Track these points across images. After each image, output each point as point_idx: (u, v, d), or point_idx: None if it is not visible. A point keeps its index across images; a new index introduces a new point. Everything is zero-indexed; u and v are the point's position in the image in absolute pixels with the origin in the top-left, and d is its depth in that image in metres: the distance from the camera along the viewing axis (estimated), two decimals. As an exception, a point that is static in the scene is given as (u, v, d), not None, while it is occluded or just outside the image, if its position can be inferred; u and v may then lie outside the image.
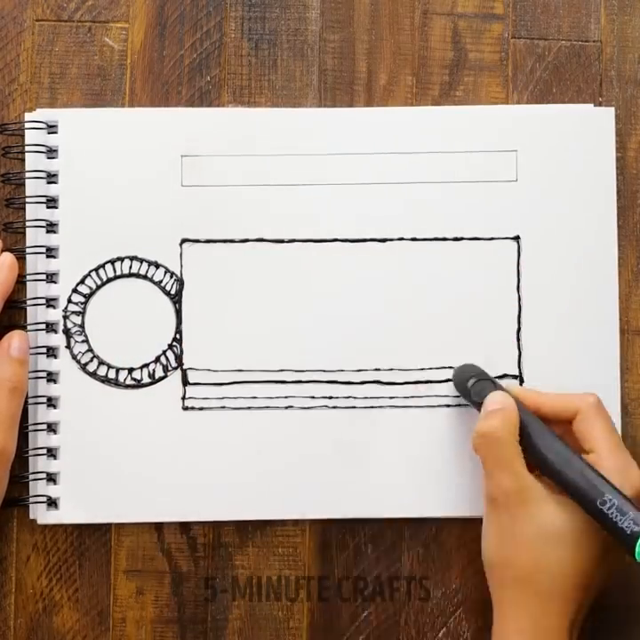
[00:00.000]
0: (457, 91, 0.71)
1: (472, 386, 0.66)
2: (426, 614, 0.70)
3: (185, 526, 0.69)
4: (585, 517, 0.60)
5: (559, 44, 0.71)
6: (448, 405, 0.69)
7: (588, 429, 0.63)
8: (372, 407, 0.69)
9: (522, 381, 0.69)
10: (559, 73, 0.71)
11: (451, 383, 0.68)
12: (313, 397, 0.69)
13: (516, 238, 0.69)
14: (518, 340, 0.69)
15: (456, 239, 0.69)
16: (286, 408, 0.69)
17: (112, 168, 0.69)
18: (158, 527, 0.69)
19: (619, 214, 0.70)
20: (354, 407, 0.69)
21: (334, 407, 0.69)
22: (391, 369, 0.69)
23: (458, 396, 0.68)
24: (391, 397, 0.69)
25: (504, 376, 0.69)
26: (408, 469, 0.68)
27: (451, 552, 0.70)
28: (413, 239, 0.69)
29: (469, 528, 0.70)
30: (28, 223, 0.68)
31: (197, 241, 0.69)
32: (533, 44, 0.71)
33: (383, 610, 0.70)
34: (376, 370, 0.69)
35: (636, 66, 0.71)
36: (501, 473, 0.62)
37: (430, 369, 0.69)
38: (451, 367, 0.69)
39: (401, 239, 0.69)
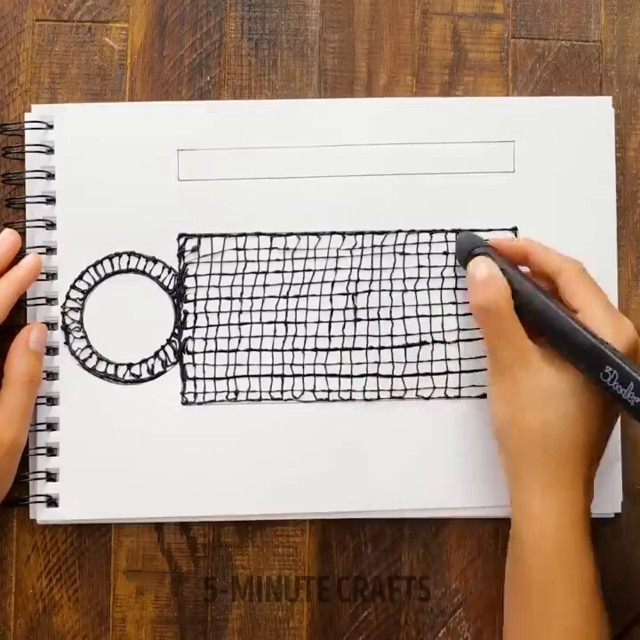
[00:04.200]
0: (457, 91, 0.71)
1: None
2: (426, 614, 0.69)
3: (185, 526, 0.69)
4: (577, 380, 0.61)
5: (559, 44, 0.71)
6: (447, 397, 0.69)
7: (574, 288, 0.64)
8: (371, 399, 0.69)
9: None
10: (559, 73, 0.71)
11: (449, 375, 0.69)
12: (313, 391, 0.69)
13: (514, 229, 0.69)
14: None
15: (454, 231, 0.69)
16: (286, 401, 0.69)
17: (108, 163, 0.69)
18: (158, 527, 0.69)
19: (619, 214, 0.70)
20: (353, 400, 0.69)
21: (334, 400, 0.69)
22: (390, 362, 0.69)
23: (457, 388, 0.69)
24: (391, 390, 0.69)
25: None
26: (408, 462, 0.68)
27: (451, 552, 0.70)
28: (411, 231, 0.69)
29: (469, 528, 0.70)
30: (28, 223, 0.68)
31: (195, 235, 0.69)
32: (533, 44, 0.71)
33: (383, 610, 0.69)
34: (375, 363, 0.69)
35: (636, 66, 0.71)
36: (503, 343, 0.63)
37: (429, 361, 0.69)
38: (449, 359, 0.69)
39: (399, 231, 0.69)
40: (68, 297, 0.69)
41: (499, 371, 0.63)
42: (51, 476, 0.69)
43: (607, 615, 0.62)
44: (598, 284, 0.65)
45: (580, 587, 0.61)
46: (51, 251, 0.69)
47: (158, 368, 0.69)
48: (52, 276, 0.69)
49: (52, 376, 0.69)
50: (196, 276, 0.69)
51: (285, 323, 0.69)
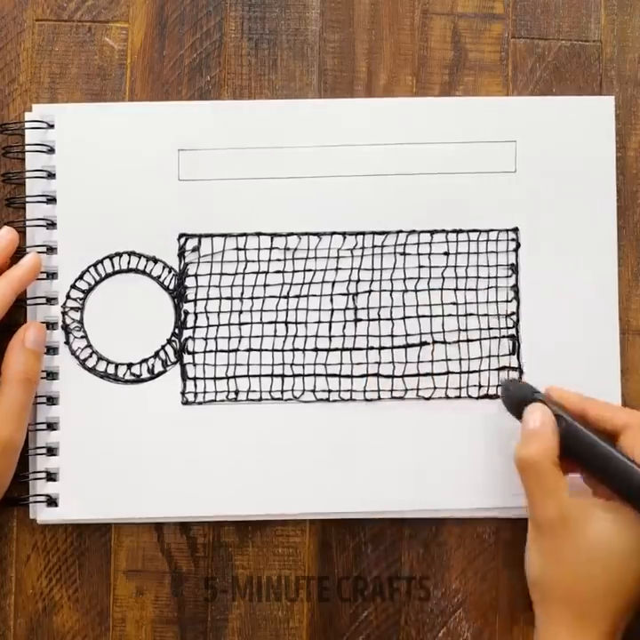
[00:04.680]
0: (457, 90, 0.71)
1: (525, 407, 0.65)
2: (426, 614, 0.69)
3: (185, 526, 0.69)
4: (630, 537, 0.60)
5: (559, 44, 0.71)
6: (448, 397, 0.69)
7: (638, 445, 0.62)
8: (372, 400, 0.69)
9: (521, 373, 0.69)
10: (559, 73, 0.71)
11: (449, 376, 0.69)
12: (313, 391, 0.69)
13: (515, 230, 0.69)
14: (517, 332, 0.69)
15: (455, 231, 0.69)
16: (286, 401, 0.69)
17: (109, 163, 0.69)
18: (158, 527, 0.69)
19: (619, 214, 0.70)
20: (353, 400, 0.69)
21: (334, 400, 0.69)
22: (391, 362, 0.69)
23: (457, 388, 0.69)
24: (391, 390, 0.69)
25: (503, 368, 0.69)
26: (408, 462, 0.68)
27: (451, 552, 0.70)
28: (412, 231, 0.69)
29: (469, 528, 0.70)
30: (28, 222, 0.68)
31: (195, 235, 0.69)
32: (533, 44, 0.71)
33: (383, 610, 0.69)
34: (376, 363, 0.69)
35: (636, 66, 0.71)
36: (544, 501, 0.62)
37: (429, 362, 0.69)
38: (450, 359, 0.69)
39: (399, 231, 0.69)
40: (68, 296, 0.69)
41: (537, 526, 0.62)
42: (51, 476, 0.68)
43: None
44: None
45: None
46: (51, 250, 0.69)
47: (158, 368, 0.69)
48: (52, 275, 0.69)
49: (51, 376, 0.69)
50: (196, 275, 0.69)
51: (286, 323, 0.69)
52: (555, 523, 0.61)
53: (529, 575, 0.64)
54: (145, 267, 0.69)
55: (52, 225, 0.69)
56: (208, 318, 0.69)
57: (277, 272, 0.69)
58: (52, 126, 0.69)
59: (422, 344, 0.69)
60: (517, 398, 0.66)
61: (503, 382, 0.69)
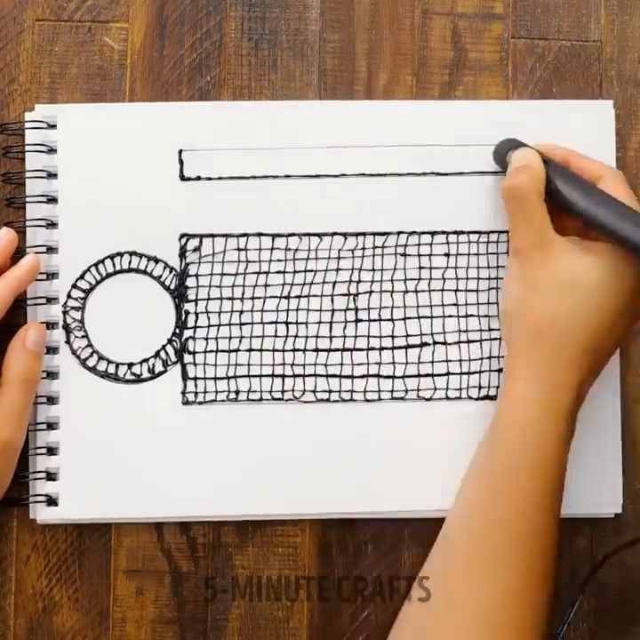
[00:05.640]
0: (457, 91, 0.71)
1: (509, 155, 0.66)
2: (426, 614, 0.69)
3: (185, 526, 0.69)
4: (602, 276, 0.61)
5: (559, 44, 0.71)
6: (448, 398, 0.69)
7: (614, 191, 0.63)
8: (372, 400, 0.69)
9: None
10: (559, 73, 0.71)
11: (450, 377, 0.69)
12: (313, 391, 0.69)
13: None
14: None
15: (455, 232, 0.69)
16: (286, 401, 0.69)
17: (110, 163, 0.69)
18: (158, 527, 0.69)
19: (619, 214, 0.70)
20: (354, 400, 0.69)
21: (335, 401, 0.69)
22: (391, 363, 0.69)
23: (458, 389, 0.69)
24: (392, 391, 0.69)
25: (502, 370, 0.69)
26: (409, 463, 0.68)
27: (451, 552, 0.69)
28: (412, 232, 0.69)
29: (469, 528, 0.70)
30: (28, 222, 0.68)
31: (197, 235, 0.69)
32: (533, 44, 0.71)
33: (383, 610, 0.69)
34: (376, 363, 0.69)
35: (636, 66, 0.71)
36: (526, 228, 0.63)
37: (430, 362, 0.69)
38: (450, 360, 0.69)
39: (400, 232, 0.69)
40: (69, 296, 0.69)
41: (518, 252, 0.64)
42: (51, 476, 0.68)
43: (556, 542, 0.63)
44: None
45: (542, 482, 0.61)
46: (52, 250, 0.69)
47: (159, 367, 0.69)
48: (52, 275, 0.69)
49: (52, 375, 0.69)
50: (197, 275, 0.69)
51: (286, 323, 0.69)
52: (533, 249, 0.63)
53: (504, 310, 0.66)
54: (146, 267, 0.69)
55: (52, 225, 0.69)
56: (209, 318, 0.69)
57: (278, 272, 0.69)
58: (52, 126, 0.69)
59: (423, 345, 0.69)
60: (505, 149, 0.67)
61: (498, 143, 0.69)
